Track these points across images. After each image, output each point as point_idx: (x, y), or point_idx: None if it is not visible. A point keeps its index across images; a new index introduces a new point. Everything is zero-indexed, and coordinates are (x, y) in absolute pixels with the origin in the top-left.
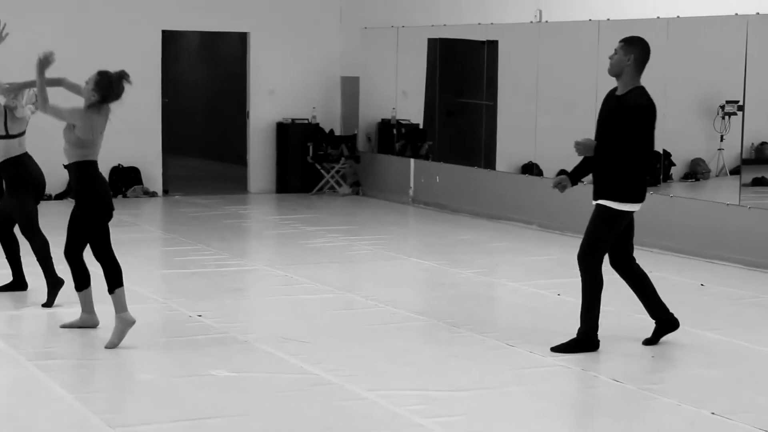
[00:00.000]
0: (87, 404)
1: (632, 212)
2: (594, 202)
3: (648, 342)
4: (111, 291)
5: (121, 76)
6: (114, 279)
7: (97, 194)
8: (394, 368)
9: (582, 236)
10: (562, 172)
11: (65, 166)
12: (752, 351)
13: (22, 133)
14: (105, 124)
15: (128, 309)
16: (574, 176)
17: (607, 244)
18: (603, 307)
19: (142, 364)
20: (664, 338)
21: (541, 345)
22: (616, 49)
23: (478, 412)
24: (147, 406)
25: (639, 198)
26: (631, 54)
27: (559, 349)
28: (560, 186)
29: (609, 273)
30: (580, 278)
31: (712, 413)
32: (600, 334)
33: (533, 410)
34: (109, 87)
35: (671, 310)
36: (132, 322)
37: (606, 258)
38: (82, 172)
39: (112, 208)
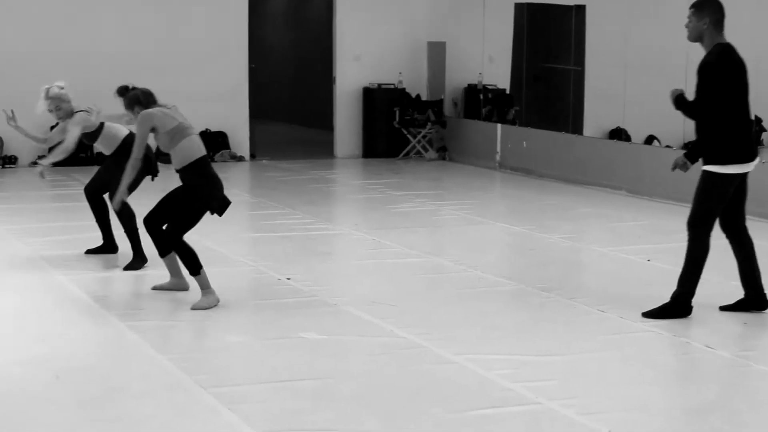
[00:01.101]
0: (178, 365)
1: (740, 174)
2: (701, 168)
3: (725, 308)
4: (193, 274)
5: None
6: (193, 264)
7: (210, 190)
8: (483, 332)
9: (691, 204)
10: (650, 138)
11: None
12: None
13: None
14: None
15: (212, 285)
16: (692, 155)
17: (716, 212)
18: (704, 274)
19: (232, 326)
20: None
21: (632, 310)
22: (688, 16)
23: (568, 378)
24: (238, 367)
25: (742, 158)
26: (705, 17)
27: (650, 314)
28: (682, 167)
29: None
30: (686, 244)
31: None
32: (694, 301)
33: (624, 376)
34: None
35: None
36: (216, 302)
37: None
38: (193, 174)
39: (221, 201)
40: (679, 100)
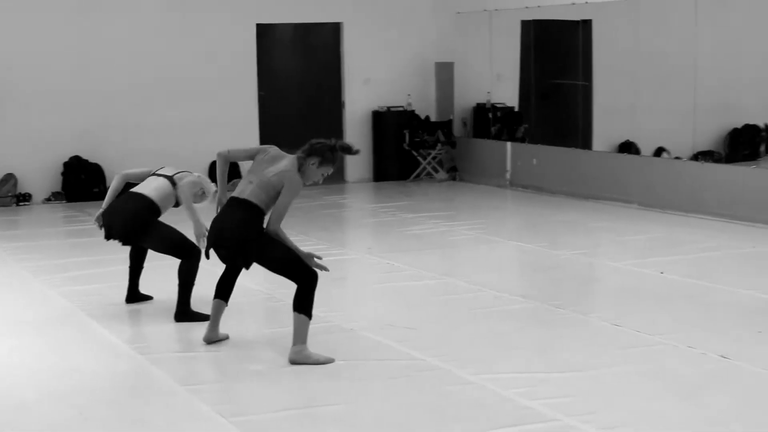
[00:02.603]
0: (198, 395)
1: None
2: None
3: None
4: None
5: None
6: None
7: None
8: (501, 351)
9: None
10: (659, 150)
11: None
12: None
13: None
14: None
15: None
16: None
17: None
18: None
19: (250, 355)
20: None
21: (647, 324)
22: None
23: (586, 393)
24: (258, 396)
25: None
26: None
27: None
28: None
29: None
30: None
31: None
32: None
33: (642, 389)
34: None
35: None
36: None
37: None
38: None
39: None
40: None
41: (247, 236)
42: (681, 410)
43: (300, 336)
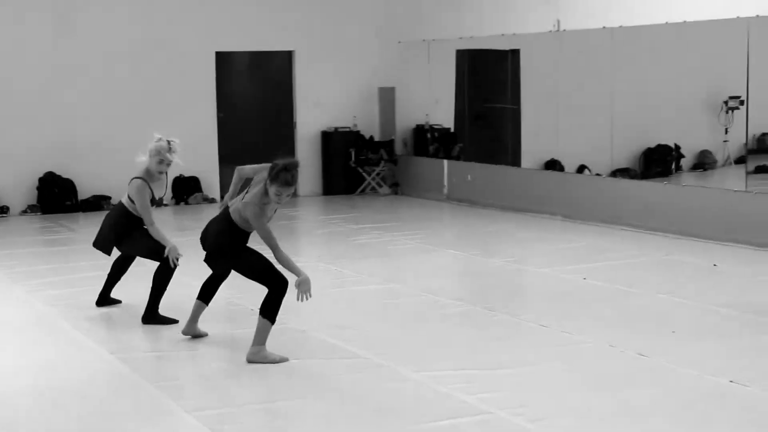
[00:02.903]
0: (164, 391)
1: None
2: None
3: None
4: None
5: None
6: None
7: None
8: (438, 350)
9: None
10: (581, 167)
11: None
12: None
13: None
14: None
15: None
16: None
17: None
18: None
19: (211, 354)
20: (692, 318)
21: (572, 324)
22: None
23: (516, 388)
24: (218, 392)
25: None
26: None
27: None
28: None
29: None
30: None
31: (731, 381)
32: (628, 314)
33: (568, 384)
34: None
35: (688, 289)
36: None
37: None
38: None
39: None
40: None
41: (220, 246)
42: (603, 403)
43: (260, 338)
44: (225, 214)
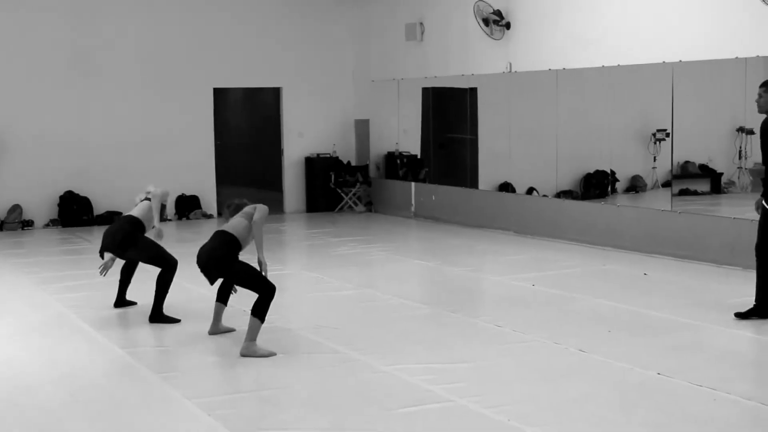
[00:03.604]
0: (169, 382)
1: None
2: (765, 204)
3: (739, 315)
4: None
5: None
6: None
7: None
8: (407, 346)
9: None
10: (530, 189)
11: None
12: (684, 322)
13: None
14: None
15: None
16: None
17: None
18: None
19: (209, 349)
20: (625, 319)
21: (523, 325)
22: (760, 93)
23: (475, 380)
24: (215, 381)
25: None
26: None
27: (743, 315)
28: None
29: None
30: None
31: (658, 373)
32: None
33: (519, 376)
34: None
35: (622, 294)
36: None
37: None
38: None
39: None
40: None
41: (219, 260)
42: (549, 393)
43: (251, 334)
44: (225, 238)
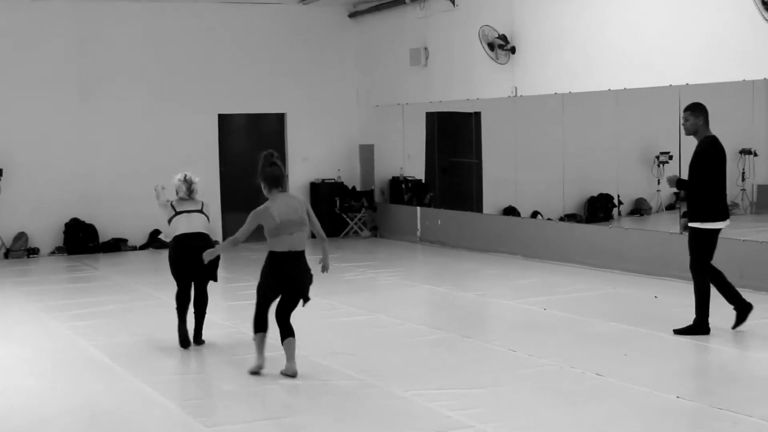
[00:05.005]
0: (186, 410)
1: (719, 229)
2: (690, 225)
3: (735, 327)
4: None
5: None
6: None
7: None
8: (423, 372)
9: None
10: (534, 213)
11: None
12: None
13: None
14: (289, 205)
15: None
16: (680, 183)
17: (708, 256)
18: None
19: (225, 377)
20: (641, 342)
21: (537, 349)
22: (686, 117)
23: (495, 405)
24: (232, 409)
25: (720, 217)
26: (700, 116)
27: (681, 331)
28: (685, 228)
29: None
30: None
31: (677, 396)
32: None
33: (536, 401)
34: (261, 171)
35: (635, 317)
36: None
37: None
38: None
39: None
40: (679, 182)
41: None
42: (567, 417)
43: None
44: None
